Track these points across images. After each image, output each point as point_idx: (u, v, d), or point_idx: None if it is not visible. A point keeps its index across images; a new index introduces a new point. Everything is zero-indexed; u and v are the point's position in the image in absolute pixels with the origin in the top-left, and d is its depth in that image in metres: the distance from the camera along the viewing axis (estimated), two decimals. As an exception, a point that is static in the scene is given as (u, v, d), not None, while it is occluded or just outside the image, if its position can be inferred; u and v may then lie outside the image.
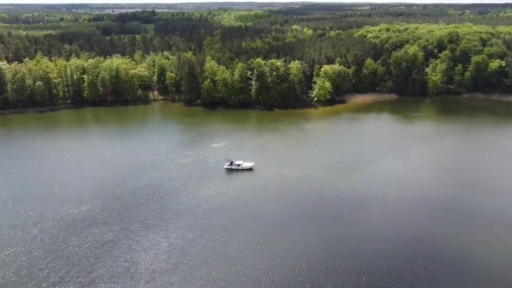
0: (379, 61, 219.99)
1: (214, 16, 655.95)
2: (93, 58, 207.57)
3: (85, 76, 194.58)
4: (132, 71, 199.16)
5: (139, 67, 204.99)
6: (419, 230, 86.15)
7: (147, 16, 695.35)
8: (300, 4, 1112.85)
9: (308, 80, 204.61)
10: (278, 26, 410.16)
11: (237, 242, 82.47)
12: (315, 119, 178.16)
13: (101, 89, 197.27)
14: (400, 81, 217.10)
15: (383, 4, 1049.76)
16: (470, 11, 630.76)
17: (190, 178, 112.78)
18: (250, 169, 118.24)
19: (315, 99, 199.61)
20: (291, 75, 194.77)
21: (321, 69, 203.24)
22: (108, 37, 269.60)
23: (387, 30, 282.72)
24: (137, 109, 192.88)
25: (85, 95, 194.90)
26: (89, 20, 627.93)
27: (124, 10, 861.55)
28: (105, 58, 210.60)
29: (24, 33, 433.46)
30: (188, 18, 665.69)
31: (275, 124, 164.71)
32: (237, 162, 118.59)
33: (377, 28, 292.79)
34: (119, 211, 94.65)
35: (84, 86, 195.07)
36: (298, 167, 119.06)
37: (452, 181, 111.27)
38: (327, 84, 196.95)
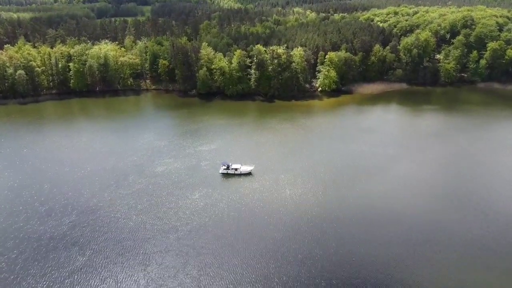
0: (388, 47, 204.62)
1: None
2: (80, 44, 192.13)
3: (71, 64, 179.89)
4: (122, 59, 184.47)
5: (129, 54, 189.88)
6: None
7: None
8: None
9: (311, 68, 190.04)
10: (280, 9, 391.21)
11: (230, 269, 70.27)
12: (319, 112, 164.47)
13: (88, 78, 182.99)
14: (410, 69, 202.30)
15: None
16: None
17: (178, 185, 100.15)
18: (249, 174, 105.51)
19: (319, 89, 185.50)
20: (293, 64, 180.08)
21: (325, 57, 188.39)
22: (98, 21, 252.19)
23: (395, 13, 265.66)
24: (127, 100, 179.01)
25: (71, 84, 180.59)
26: (83, 2, 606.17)
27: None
28: (93, 45, 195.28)
29: (15, 15, 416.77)
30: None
31: (276, 118, 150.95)
32: (234, 166, 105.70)
33: (385, 11, 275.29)
34: (92, 227, 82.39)
35: (70, 75, 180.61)
36: (302, 172, 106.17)
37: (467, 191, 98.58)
38: (332, 73, 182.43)
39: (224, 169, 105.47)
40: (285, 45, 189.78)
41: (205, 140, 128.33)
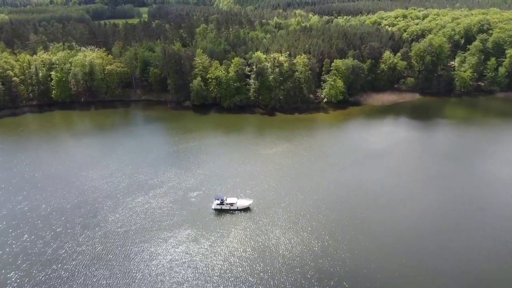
0: (398, 54, 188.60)
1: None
2: (63, 51, 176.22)
3: (52, 73, 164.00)
4: (109, 67, 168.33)
5: (117, 62, 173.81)
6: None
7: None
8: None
9: (316, 77, 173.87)
10: (281, 11, 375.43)
11: None
12: (325, 128, 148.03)
13: (72, 88, 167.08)
14: (423, 78, 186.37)
15: None
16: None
17: (159, 225, 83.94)
18: (247, 209, 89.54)
19: (325, 100, 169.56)
20: (296, 72, 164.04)
21: (331, 64, 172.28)
22: (85, 24, 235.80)
23: (404, 16, 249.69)
24: (114, 113, 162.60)
25: (53, 95, 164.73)
26: (79, 3, 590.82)
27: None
28: (77, 51, 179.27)
29: (7, 17, 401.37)
30: (185, 1, 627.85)
31: (277, 136, 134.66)
32: (229, 200, 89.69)
33: (392, 14, 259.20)
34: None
35: (52, 85, 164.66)
36: (306, 208, 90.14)
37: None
38: (339, 83, 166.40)
39: (217, 204, 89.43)
40: (287, 52, 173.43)
41: (196, 164, 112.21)
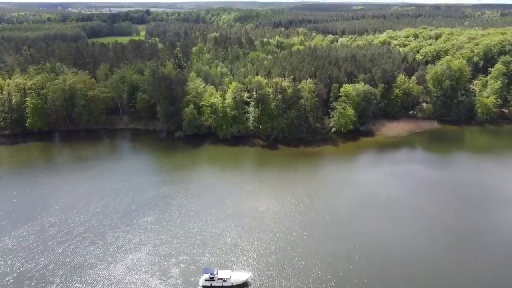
0: (414, 77, 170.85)
1: (213, 16, 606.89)
2: (42, 74, 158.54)
3: (28, 99, 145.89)
4: (91, 92, 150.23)
5: (101, 87, 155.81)
6: None
7: (140, 16, 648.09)
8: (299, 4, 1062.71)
9: (323, 103, 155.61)
10: (282, 29, 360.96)
11: None
12: (333, 165, 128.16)
13: (50, 116, 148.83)
14: (441, 104, 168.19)
15: (378, 4, 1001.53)
16: (490, 12, 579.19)
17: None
18: (244, 285, 69.74)
19: (333, 129, 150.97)
20: (302, 99, 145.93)
21: (340, 90, 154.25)
22: (71, 44, 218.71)
23: (415, 36, 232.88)
24: (96, 144, 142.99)
25: (28, 124, 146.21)
26: (77, 20, 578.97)
27: (122, 9, 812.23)
28: (58, 75, 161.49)
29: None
30: (184, 18, 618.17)
31: (279, 179, 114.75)
32: (221, 275, 70.09)
33: (403, 33, 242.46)
34: None
35: (27, 113, 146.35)
36: (320, 281, 70.21)
37: None
38: (350, 111, 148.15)
39: (206, 279, 69.62)
40: (291, 76, 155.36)
41: (179, 217, 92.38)
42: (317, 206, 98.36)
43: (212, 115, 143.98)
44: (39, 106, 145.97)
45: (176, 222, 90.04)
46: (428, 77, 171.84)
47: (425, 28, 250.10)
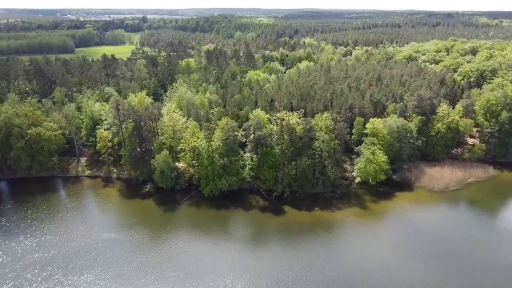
0: (459, 106, 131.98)
1: (212, 24, 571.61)
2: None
3: None
4: (32, 130, 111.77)
5: (48, 121, 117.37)
6: None
7: (136, 24, 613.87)
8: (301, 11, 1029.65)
9: (343, 143, 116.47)
10: (287, 39, 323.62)
11: None
12: (357, 248, 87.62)
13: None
14: (496, 142, 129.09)
15: (382, 12, 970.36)
16: (510, 20, 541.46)
17: None
18: None
19: (358, 179, 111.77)
20: (316, 142, 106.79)
21: (366, 126, 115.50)
22: (27, 58, 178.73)
23: (447, 50, 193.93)
24: (37, 204, 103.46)
25: None
26: (68, 28, 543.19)
27: (121, 16, 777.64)
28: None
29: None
30: (182, 26, 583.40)
31: (283, 261, 76.12)
32: None
33: (431, 46, 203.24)
34: None
35: None
36: None
37: None
38: (381, 156, 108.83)
39: None
40: (302, 110, 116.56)
41: None
42: None
43: (193, 163, 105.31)
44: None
45: None
46: (477, 106, 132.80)
47: (456, 40, 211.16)
